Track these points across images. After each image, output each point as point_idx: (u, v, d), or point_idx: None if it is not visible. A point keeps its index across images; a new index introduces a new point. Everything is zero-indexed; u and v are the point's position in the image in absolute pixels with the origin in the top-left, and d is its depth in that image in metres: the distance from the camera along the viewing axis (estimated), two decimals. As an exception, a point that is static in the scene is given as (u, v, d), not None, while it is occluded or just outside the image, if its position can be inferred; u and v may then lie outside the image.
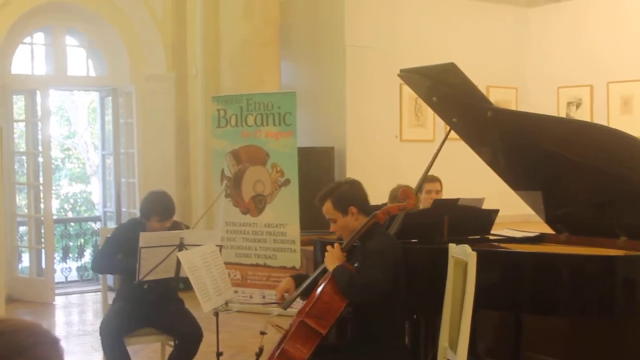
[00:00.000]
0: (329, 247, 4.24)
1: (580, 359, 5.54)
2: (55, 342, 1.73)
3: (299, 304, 4.45)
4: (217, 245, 5.14)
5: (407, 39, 10.38)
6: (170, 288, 5.42)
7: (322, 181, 9.38)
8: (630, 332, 5.33)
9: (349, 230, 4.24)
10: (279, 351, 3.95)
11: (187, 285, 4.92)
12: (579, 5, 11.22)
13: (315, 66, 10.57)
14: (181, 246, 5.07)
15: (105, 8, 9.82)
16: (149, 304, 5.30)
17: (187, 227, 5.69)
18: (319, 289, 4.03)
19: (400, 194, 4.50)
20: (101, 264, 5.54)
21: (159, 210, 5.33)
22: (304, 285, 4.36)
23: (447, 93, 5.32)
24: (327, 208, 4.26)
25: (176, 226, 5.44)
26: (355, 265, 4.13)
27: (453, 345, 4.14)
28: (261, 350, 4.26)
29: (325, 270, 4.22)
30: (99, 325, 5.44)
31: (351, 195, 4.28)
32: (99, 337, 5.30)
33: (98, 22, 9.95)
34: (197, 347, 5.25)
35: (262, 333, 4.28)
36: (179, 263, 5.00)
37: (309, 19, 10.61)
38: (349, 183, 4.39)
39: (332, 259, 4.15)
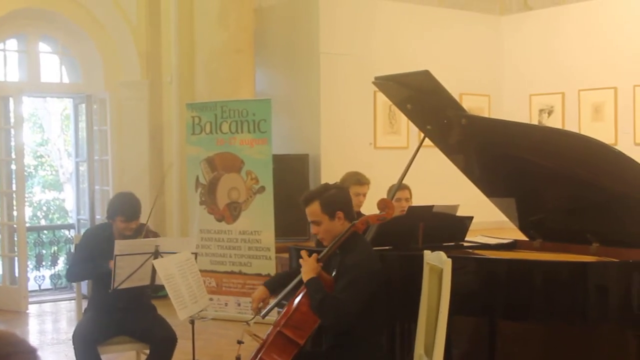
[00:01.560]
0: (303, 255, 4.19)
1: (555, 364, 5.59)
2: (32, 351, 1.74)
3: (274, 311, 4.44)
4: (192, 253, 5.13)
5: (381, 46, 10.42)
6: (144, 295, 5.40)
7: (296, 188, 9.40)
8: (603, 338, 5.38)
9: (333, 234, 4.20)
10: (255, 361, 3.95)
11: (159, 292, 4.91)
12: (551, 14, 11.32)
13: (290, 73, 10.58)
14: (156, 254, 5.06)
15: (80, 15, 9.79)
16: (121, 311, 5.28)
17: (156, 233, 5.66)
18: (297, 299, 4.02)
19: (379, 203, 4.50)
20: (75, 272, 5.50)
21: (124, 210, 5.32)
22: (282, 294, 4.34)
23: (422, 100, 5.35)
24: (314, 209, 4.19)
25: (142, 228, 5.41)
26: (333, 274, 4.12)
27: (429, 352, 4.16)
28: (238, 359, 4.25)
29: (301, 282, 4.21)
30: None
31: (339, 200, 4.24)
32: (72, 346, 5.27)
33: (72, 28, 9.91)
34: (171, 353, 5.23)
35: (239, 342, 4.27)
36: (154, 271, 4.99)
37: (284, 26, 10.62)
38: (337, 188, 4.35)
39: (307, 270, 4.09)
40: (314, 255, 4.18)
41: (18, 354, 1.69)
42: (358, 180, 6.28)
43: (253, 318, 4.39)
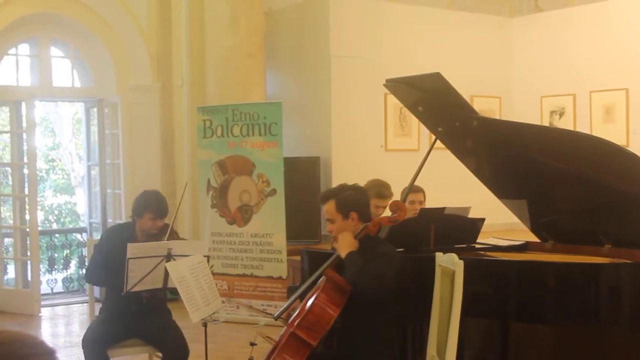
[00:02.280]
0: (340, 235, 4.23)
1: (567, 366, 5.58)
2: (50, 352, 1.75)
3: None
4: (204, 256, 5.14)
5: (391, 49, 10.42)
6: (159, 299, 5.41)
7: (308, 191, 9.44)
8: (616, 340, 5.37)
9: None
10: (269, 362, 3.95)
11: (175, 295, 4.92)
12: (561, 15, 11.30)
13: (301, 76, 10.60)
14: (169, 257, 5.06)
15: (91, 19, 9.83)
16: (135, 314, 5.28)
17: (177, 233, 5.65)
18: (310, 301, 4.03)
19: (391, 205, 4.52)
20: (93, 275, 5.50)
21: (153, 207, 5.32)
22: (295, 295, 4.36)
23: (433, 102, 5.35)
24: (330, 208, 4.28)
25: (166, 228, 5.41)
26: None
27: (441, 354, 4.16)
28: (251, 361, 4.26)
29: (315, 281, 4.23)
30: (84, 336, 5.41)
31: (355, 201, 4.30)
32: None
33: (83, 33, 9.96)
34: None
35: (252, 344, 4.28)
36: (166, 274, 5.00)
37: (294, 29, 10.64)
38: (354, 188, 4.39)
39: (345, 245, 4.15)
40: (349, 233, 4.21)
41: (36, 356, 1.71)
42: (380, 193, 6.07)
43: (263, 320, 4.40)
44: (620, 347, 5.36)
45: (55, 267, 11.06)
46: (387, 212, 5.67)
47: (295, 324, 3.95)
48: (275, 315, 4.38)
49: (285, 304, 4.41)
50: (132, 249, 4.98)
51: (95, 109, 10.31)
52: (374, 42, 10.38)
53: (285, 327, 4.07)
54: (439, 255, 4.38)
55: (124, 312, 5.28)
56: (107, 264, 5.34)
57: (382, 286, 3.99)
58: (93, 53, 10.19)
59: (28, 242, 9.52)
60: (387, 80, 5.45)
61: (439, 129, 5.51)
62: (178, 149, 10.16)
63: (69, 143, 20.12)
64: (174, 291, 4.89)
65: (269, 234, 8.42)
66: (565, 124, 10.97)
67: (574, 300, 4.53)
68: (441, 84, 4.96)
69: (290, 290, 4.56)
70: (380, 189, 6.11)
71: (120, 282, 5.03)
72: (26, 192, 9.54)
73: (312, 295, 4.07)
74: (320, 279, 4.17)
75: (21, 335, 1.74)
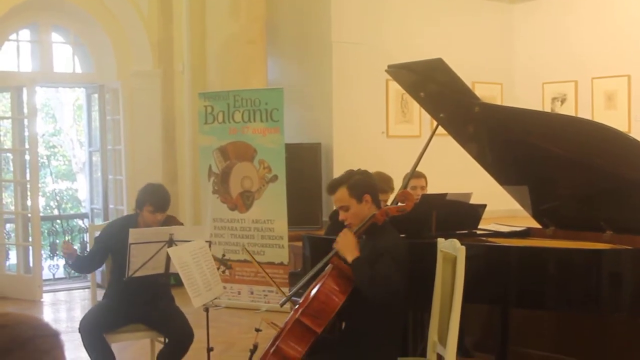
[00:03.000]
0: (340, 234, 4.18)
1: (567, 353, 5.59)
2: (55, 335, 1.76)
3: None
4: (206, 241, 5.15)
5: (393, 35, 10.41)
6: (162, 284, 5.42)
7: (309, 177, 9.46)
8: (617, 327, 5.38)
9: (361, 218, 4.21)
10: (273, 349, 3.95)
11: (177, 281, 4.93)
12: (563, 1, 11.28)
13: (302, 62, 10.59)
14: (170, 242, 5.07)
15: (91, 4, 9.81)
16: (139, 299, 5.30)
17: (181, 224, 5.68)
18: (316, 288, 4.03)
19: (399, 195, 4.51)
20: (78, 266, 5.61)
21: (153, 200, 5.34)
22: (300, 283, 4.36)
23: (435, 88, 5.35)
24: (342, 195, 4.23)
25: (170, 221, 5.43)
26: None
27: (442, 340, 4.17)
28: (255, 347, 4.27)
29: (321, 269, 4.23)
30: (85, 322, 5.43)
31: (366, 184, 4.28)
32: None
33: (84, 18, 9.94)
34: (187, 348, 5.25)
35: (257, 330, 4.30)
36: (168, 259, 5.02)
37: (296, 15, 10.62)
38: (362, 173, 4.36)
39: (349, 248, 4.10)
40: (348, 231, 4.18)
41: (41, 337, 1.72)
42: (381, 188, 6.13)
43: (264, 306, 4.41)
44: (621, 334, 5.38)
45: (57, 252, 11.07)
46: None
47: (301, 311, 3.95)
48: (281, 302, 4.39)
49: (291, 292, 4.41)
50: (134, 234, 5.00)
51: (96, 95, 10.31)
52: (375, 28, 10.37)
53: (291, 314, 4.07)
54: (440, 241, 4.39)
55: (130, 299, 5.29)
56: (101, 255, 5.45)
57: (390, 294, 3.96)
58: (94, 39, 10.18)
59: (30, 228, 9.53)
60: (389, 66, 5.45)
61: (441, 115, 5.50)
62: (179, 135, 10.16)
63: (70, 129, 20.12)
64: (176, 277, 4.91)
65: (270, 220, 8.43)
66: (566, 110, 10.96)
67: (575, 286, 4.53)
68: (443, 70, 4.96)
69: (292, 276, 4.56)
70: (381, 183, 6.13)
71: (123, 268, 5.06)
72: (27, 177, 9.54)
73: (317, 283, 4.07)
74: (327, 267, 4.17)
75: (26, 318, 1.74)
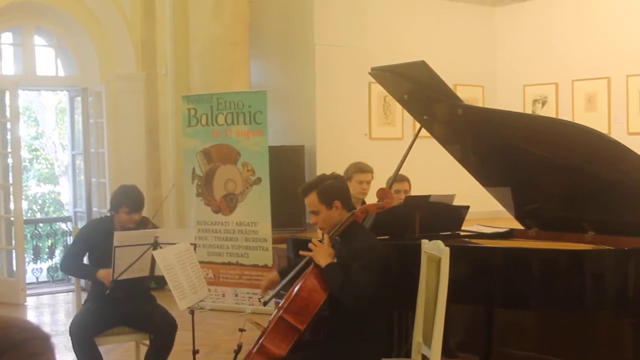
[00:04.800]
0: (316, 242, 4.22)
1: (551, 352, 5.63)
2: (46, 337, 1.77)
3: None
4: (191, 244, 5.16)
5: (375, 37, 10.44)
6: (143, 286, 5.44)
7: (292, 179, 9.46)
8: (600, 325, 5.43)
9: (332, 223, 4.26)
10: (257, 347, 3.98)
11: (159, 284, 4.94)
12: (544, 4, 11.34)
13: (285, 65, 10.60)
14: (155, 245, 5.08)
15: (74, 7, 9.79)
16: (121, 301, 5.30)
17: (155, 225, 5.70)
18: (298, 286, 4.07)
19: (378, 192, 4.55)
20: (69, 265, 5.57)
21: (129, 201, 5.36)
22: (283, 282, 4.39)
23: (418, 91, 5.38)
24: (312, 200, 4.27)
25: (145, 222, 5.46)
26: (335, 261, 4.16)
27: (427, 340, 4.20)
28: (239, 347, 4.28)
29: (304, 268, 4.26)
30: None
31: (336, 190, 4.30)
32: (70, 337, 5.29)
33: (67, 21, 9.92)
34: (172, 338, 5.26)
35: (241, 330, 4.31)
36: (153, 261, 5.02)
37: (279, 17, 10.64)
38: (333, 178, 4.39)
39: (324, 255, 4.14)
40: (326, 240, 4.22)
41: (34, 340, 1.73)
42: (360, 168, 6.35)
43: (249, 308, 4.43)
44: (604, 332, 5.43)
45: (40, 256, 11.04)
46: (373, 196, 5.73)
47: (284, 308, 3.99)
48: (264, 300, 4.42)
49: (274, 292, 4.44)
50: (119, 237, 5.00)
51: (79, 98, 10.28)
52: (358, 31, 10.40)
53: (274, 313, 4.10)
54: (424, 242, 4.42)
55: (111, 300, 5.29)
56: (84, 255, 5.46)
57: (360, 300, 3.99)
58: (77, 42, 10.15)
59: (13, 232, 9.49)
60: (372, 69, 5.48)
61: (424, 117, 5.54)
62: (163, 137, 10.15)
63: (53, 132, 20.02)
64: (158, 280, 4.93)
65: (254, 223, 8.44)
66: (547, 112, 11.02)
67: (558, 286, 4.58)
68: (426, 72, 4.99)
69: (281, 272, 4.58)
70: (359, 165, 6.37)
71: (96, 270, 5.09)
72: (10, 181, 9.51)
73: (300, 281, 4.11)
74: (309, 266, 4.21)
75: (17, 320, 1.75)
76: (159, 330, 5.24)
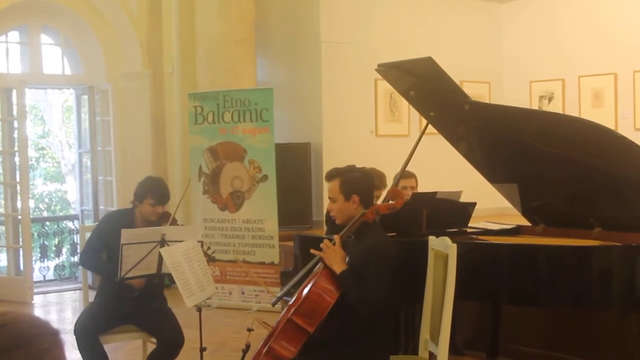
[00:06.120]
0: (328, 243, 4.15)
1: (559, 349, 5.63)
2: (55, 333, 1.77)
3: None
4: (198, 241, 5.15)
5: (382, 34, 10.44)
6: (155, 285, 5.42)
7: (299, 177, 9.48)
8: (606, 322, 5.42)
9: (345, 215, 4.22)
10: (265, 349, 3.94)
11: (172, 281, 4.92)
12: (550, 0, 11.33)
13: (291, 62, 10.60)
14: (162, 242, 5.07)
15: (81, 6, 9.81)
16: (130, 301, 5.29)
17: (176, 220, 5.65)
18: (307, 287, 4.02)
19: (389, 193, 4.53)
20: (86, 259, 5.50)
21: (154, 193, 5.33)
22: (292, 282, 4.36)
23: (425, 87, 5.37)
24: (333, 186, 4.24)
25: (166, 216, 5.43)
26: (347, 260, 4.12)
27: (434, 337, 4.20)
28: (248, 347, 4.26)
29: (312, 268, 4.23)
30: (77, 323, 5.41)
31: (360, 184, 4.25)
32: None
33: (73, 20, 9.94)
34: (177, 352, 5.23)
35: (249, 330, 4.29)
36: (160, 259, 5.01)
37: (285, 15, 10.64)
38: (362, 172, 4.37)
39: (337, 259, 4.08)
40: (337, 241, 4.16)
41: (43, 336, 1.73)
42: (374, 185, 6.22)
43: (255, 306, 4.41)
44: (610, 329, 5.43)
45: (47, 254, 11.06)
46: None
47: (292, 310, 3.95)
48: (272, 301, 4.40)
49: (282, 291, 4.41)
50: (126, 234, 4.98)
51: (86, 96, 10.31)
52: (365, 28, 10.40)
53: (282, 313, 4.08)
54: (432, 239, 4.41)
55: (119, 299, 5.28)
56: (103, 250, 5.38)
57: (376, 310, 3.97)
58: (83, 40, 10.17)
59: (20, 230, 9.52)
60: (378, 65, 5.48)
61: (431, 114, 5.54)
62: (169, 135, 10.16)
63: (59, 131, 20.07)
64: (171, 278, 4.90)
65: (260, 220, 8.44)
66: (554, 108, 11.01)
67: (565, 282, 4.57)
68: (433, 69, 4.98)
69: (284, 276, 4.56)
70: (374, 180, 6.19)
71: (116, 268, 5.04)
72: (17, 179, 9.53)
73: (309, 282, 4.07)
74: (317, 266, 4.17)
75: (27, 316, 1.76)
76: (165, 341, 5.18)
